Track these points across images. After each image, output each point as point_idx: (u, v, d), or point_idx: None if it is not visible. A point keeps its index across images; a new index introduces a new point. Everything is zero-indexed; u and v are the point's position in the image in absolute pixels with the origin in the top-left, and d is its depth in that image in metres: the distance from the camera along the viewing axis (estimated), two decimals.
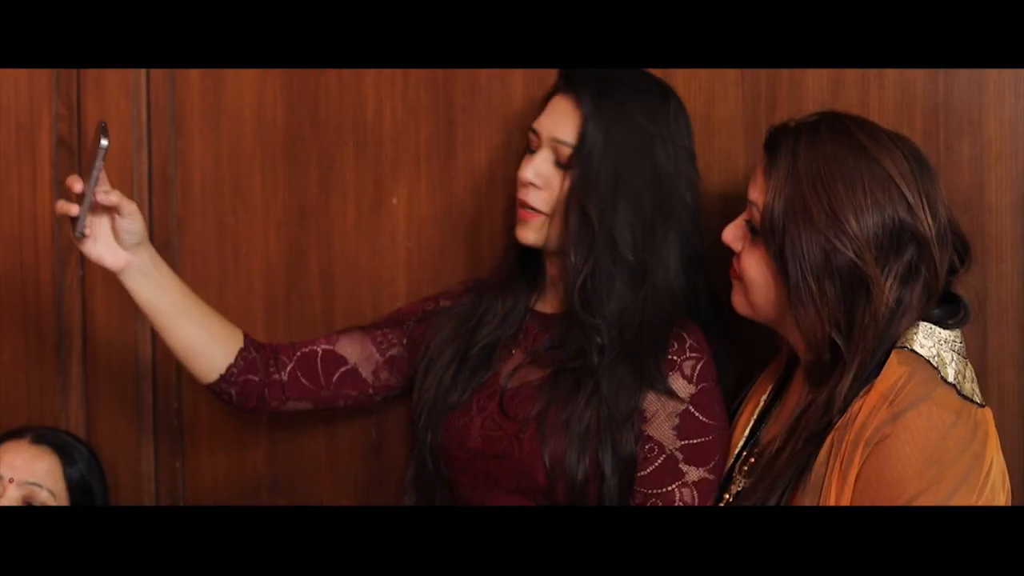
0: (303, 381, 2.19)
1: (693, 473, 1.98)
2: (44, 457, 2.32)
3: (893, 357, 1.80)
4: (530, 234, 2.06)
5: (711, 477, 1.98)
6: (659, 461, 1.98)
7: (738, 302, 1.95)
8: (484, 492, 2.05)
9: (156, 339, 2.46)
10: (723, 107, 2.22)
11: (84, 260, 2.47)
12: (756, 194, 1.90)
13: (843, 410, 1.80)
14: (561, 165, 2.03)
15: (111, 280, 2.46)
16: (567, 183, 2.02)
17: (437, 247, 2.37)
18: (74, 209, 1.98)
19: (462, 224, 2.35)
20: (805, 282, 1.81)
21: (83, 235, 2.01)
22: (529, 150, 2.07)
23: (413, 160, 2.37)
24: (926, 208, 1.82)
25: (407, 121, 2.36)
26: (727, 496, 1.97)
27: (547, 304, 2.14)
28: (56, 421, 2.49)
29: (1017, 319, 2.15)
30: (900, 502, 1.71)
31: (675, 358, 2.00)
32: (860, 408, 1.78)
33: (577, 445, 1.97)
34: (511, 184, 2.13)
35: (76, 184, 1.97)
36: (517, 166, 2.09)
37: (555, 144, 2.03)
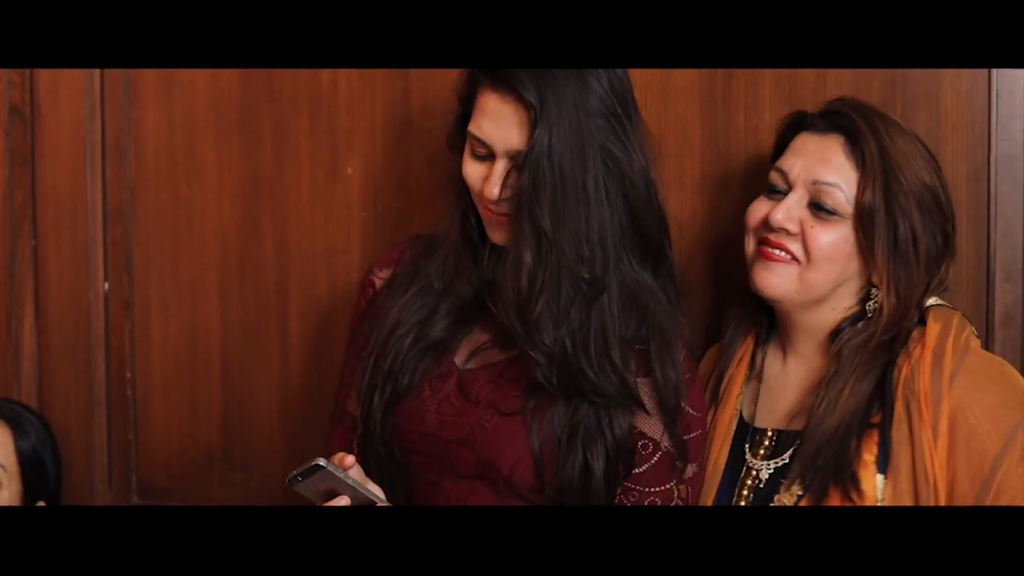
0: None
1: (688, 470, 1.95)
2: None
3: (929, 316, 1.94)
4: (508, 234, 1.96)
5: (701, 471, 1.97)
6: (655, 459, 1.93)
7: (776, 283, 1.96)
8: (439, 474, 1.97)
9: (109, 309, 2.46)
10: (679, 76, 2.22)
11: (37, 229, 2.46)
12: (834, 175, 1.94)
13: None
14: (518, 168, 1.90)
15: (64, 249, 2.46)
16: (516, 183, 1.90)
17: (393, 216, 2.36)
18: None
19: (418, 193, 2.34)
20: (915, 251, 1.93)
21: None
22: (477, 155, 1.95)
23: (368, 129, 2.36)
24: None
25: (362, 90, 2.35)
26: (750, 482, 1.98)
27: None
28: (8, 391, 2.48)
29: (972, 291, 2.16)
30: (1005, 439, 1.85)
31: None
32: (917, 368, 1.90)
33: (568, 443, 1.90)
34: None
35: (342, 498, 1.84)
36: None
37: (513, 154, 1.90)
